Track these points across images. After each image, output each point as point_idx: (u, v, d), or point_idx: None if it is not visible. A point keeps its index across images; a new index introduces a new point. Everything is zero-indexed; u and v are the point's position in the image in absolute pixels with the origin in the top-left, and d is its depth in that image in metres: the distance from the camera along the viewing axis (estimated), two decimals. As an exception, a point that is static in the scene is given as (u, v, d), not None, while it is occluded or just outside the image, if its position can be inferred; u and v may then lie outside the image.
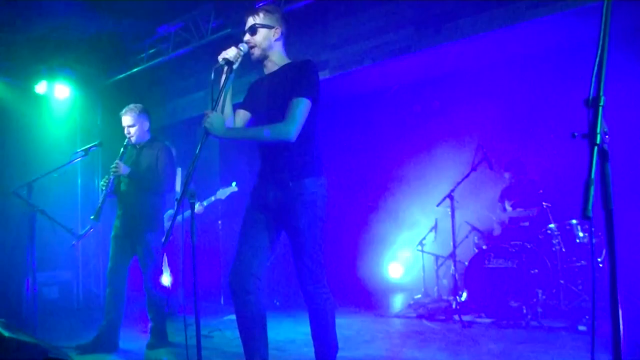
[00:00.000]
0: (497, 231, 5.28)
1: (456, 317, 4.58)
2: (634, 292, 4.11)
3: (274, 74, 2.65)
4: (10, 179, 6.05)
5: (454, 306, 4.86)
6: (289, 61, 2.68)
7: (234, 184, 5.18)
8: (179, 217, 2.25)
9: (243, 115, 2.73)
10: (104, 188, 4.00)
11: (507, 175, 5.28)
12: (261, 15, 2.61)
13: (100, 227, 6.94)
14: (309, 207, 2.52)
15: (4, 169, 6.28)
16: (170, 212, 5.55)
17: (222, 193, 5.12)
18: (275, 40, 2.64)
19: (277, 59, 2.66)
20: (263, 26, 2.60)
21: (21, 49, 6.03)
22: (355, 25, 5.23)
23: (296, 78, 2.52)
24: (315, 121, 2.59)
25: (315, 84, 2.53)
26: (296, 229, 2.53)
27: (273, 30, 2.62)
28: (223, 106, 2.59)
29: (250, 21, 2.62)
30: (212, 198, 5.15)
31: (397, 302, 5.97)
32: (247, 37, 2.61)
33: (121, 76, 6.59)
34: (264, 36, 2.60)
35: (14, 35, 5.70)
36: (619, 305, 1.22)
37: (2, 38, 5.74)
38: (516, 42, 4.81)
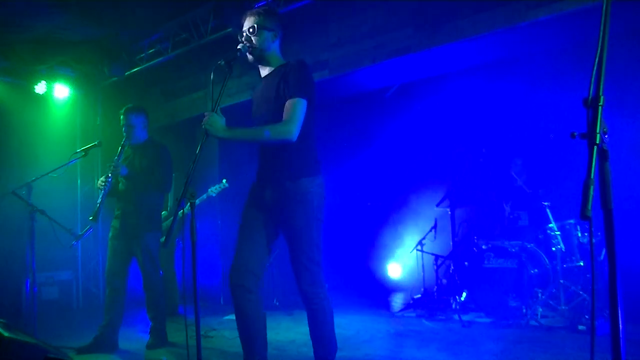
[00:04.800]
0: (496, 231, 5.28)
1: (456, 316, 4.58)
2: (633, 292, 4.11)
3: (270, 75, 2.69)
4: (10, 179, 6.04)
5: (453, 306, 4.87)
6: (284, 62, 2.70)
7: (224, 180, 5.28)
8: (180, 212, 2.25)
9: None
10: (101, 189, 3.99)
11: (519, 161, 5.26)
12: (261, 17, 2.65)
13: (100, 227, 6.95)
14: (306, 207, 2.52)
15: (3, 169, 6.28)
16: (165, 213, 5.56)
17: (213, 190, 5.23)
18: (273, 42, 2.68)
19: (273, 60, 2.70)
20: (263, 27, 2.63)
21: (21, 49, 6.02)
22: (355, 25, 5.22)
23: (290, 78, 2.53)
24: (312, 121, 2.60)
25: (310, 83, 2.55)
26: (293, 228, 2.53)
27: (272, 32, 2.65)
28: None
29: (251, 22, 2.64)
30: (204, 196, 5.24)
31: (397, 302, 5.97)
32: (246, 37, 2.62)
33: (121, 76, 6.58)
34: (264, 37, 2.63)
35: (14, 35, 5.70)
36: (619, 305, 1.22)
37: (2, 38, 5.74)
38: (516, 42, 4.80)
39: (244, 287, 2.55)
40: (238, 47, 2.58)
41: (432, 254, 5.51)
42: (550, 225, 4.60)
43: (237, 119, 2.79)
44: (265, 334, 2.65)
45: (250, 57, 2.64)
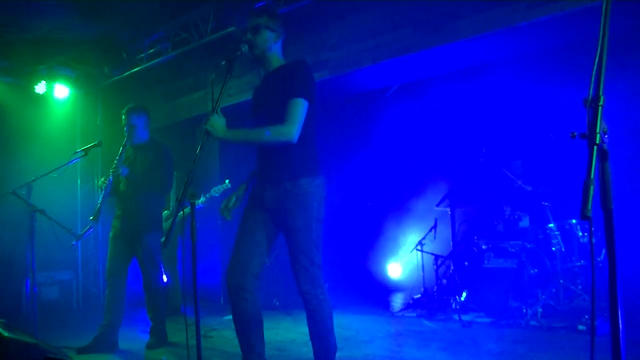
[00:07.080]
0: (496, 231, 5.27)
1: (456, 316, 4.58)
2: (633, 292, 4.11)
3: (271, 75, 2.69)
4: (10, 179, 6.03)
5: (453, 306, 4.86)
6: (284, 62, 2.71)
7: (227, 181, 5.23)
8: (180, 214, 2.25)
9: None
10: (102, 189, 3.99)
11: (518, 162, 5.27)
12: (265, 17, 2.67)
13: (100, 227, 6.94)
14: (305, 208, 2.52)
15: (4, 169, 6.27)
16: (167, 212, 5.55)
17: (216, 191, 5.17)
18: (275, 43, 2.69)
19: (274, 61, 2.71)
20: (267, 27, 2.64)
21: (21, 49, 6.02)
22: (355, 25, 5.22)
23: (291, 79, 2.54)
24: (313, 121, 2.60)
25: (311, 83, 2.56)
26: (292, 229, 2.53)
27: (275, 33, 2.67)
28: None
29: (255, 21, 2.65)
30: (207, 196, 5.21)
31: (397, 302, 5.97)
32: (249, 35, 2.63)
33: (121, 76, 6.59)
34: (266, 38, 2.65)
35: (14, 35, 5.70)
36: (619, 305, 1.22)
37: (2, 38, 5.74)
38: (516, 42, 4.80)
39: (241, 286, 2.55)
40: (239, 46, 2.59)
41: (432, 254, 5.51)
42: (550, 225, 4.60)
43: (237, 119, 2.79)
44: (263, 334, 2.65)
45: (251, 56, 2.65)
